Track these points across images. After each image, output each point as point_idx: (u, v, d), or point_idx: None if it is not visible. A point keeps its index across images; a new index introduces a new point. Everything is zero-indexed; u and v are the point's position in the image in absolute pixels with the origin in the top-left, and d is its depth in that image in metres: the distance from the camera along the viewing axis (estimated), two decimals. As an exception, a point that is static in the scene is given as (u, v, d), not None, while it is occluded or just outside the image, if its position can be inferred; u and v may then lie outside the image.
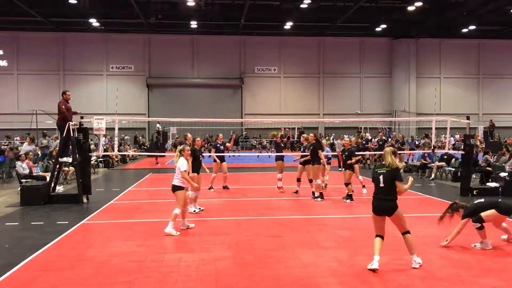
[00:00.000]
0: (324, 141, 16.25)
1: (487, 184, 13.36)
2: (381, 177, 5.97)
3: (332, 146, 26.18)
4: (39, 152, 17.93)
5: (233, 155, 27.68)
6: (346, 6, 30.55)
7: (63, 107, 11.53)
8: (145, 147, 30.67)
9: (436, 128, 13.79)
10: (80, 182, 11.46)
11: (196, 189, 9.18)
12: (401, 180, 5.95)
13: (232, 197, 12.25)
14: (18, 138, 31.49)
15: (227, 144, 14.21)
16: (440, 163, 16.39)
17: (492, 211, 6.88)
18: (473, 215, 6.92)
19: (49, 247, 7.19)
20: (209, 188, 13.05)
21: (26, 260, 6.45)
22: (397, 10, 32.00)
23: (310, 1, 28.90)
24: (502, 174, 13.13)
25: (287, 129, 32.88)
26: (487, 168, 14.31)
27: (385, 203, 5.93)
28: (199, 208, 10.07)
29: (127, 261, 6.41)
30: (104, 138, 14.42)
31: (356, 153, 12.44)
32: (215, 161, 13.37)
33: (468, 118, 13.38)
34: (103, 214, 10.05)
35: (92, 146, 17.27)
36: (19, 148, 19.92)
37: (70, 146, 11.79)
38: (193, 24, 34.71)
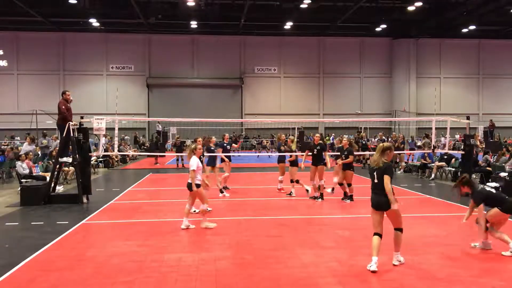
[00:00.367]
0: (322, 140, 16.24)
1: (487, 184, 13.31)
2: (375, 173, 6.11)
3: (332, 146, 26.13)
4: (39, 152, 17.93)
5: (233, 155, 27.55)
6: (346, 6, 30.56)
7: (63, 107, 11.53)
8: (145, 147, 30.69)
9: (436, 128, 13.80)
10: (80, 182, 11.46)
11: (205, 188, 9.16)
12: (390, 174, 5.98)
13: (232, 197, 12.24)
14: (18, 138, 31.50)
15: (234, 145, 14.11)
16: (440, 163, 16.39)
17: (495, 210, 6.85)
18: (485, 203, 6.93)
19: (49, 247, 7.19)
20: (224, 188, 12.62)
21: (26, 260, 6.45)
22: (397, 10, 32.00)
23: (310, 1, 28.91)
24: (502, 174, 13.09)
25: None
26: (487, 168, 14.32)
27: (381, 198, 6.01)
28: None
29: (127, 261, 6.42)
30: (104, 138, 14.39)
31: (355, 153, 12.44)
32: (223, 160, 12.90)
33: (468, 118, 13.40)
34: (103, 214, 10.05)
35: (93, 147, 17.28)
36: (19, 148, 19.93)
37: (70, 146, 11.80)
38: (193, 24, 34.74)
